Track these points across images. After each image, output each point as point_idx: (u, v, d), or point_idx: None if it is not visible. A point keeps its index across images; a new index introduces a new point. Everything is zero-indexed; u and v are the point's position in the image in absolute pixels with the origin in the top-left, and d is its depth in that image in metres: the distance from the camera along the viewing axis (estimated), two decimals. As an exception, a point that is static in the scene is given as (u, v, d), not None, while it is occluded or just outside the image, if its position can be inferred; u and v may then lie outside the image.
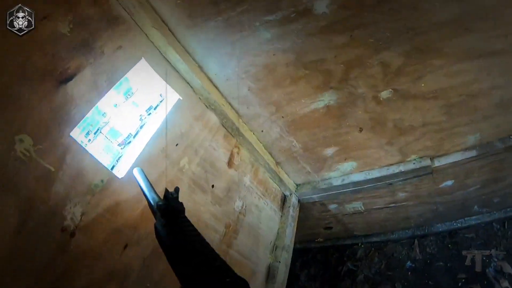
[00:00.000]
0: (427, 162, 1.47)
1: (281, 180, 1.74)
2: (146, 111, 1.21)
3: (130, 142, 1.13)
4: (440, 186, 1.60)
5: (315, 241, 2.27)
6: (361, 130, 1.43)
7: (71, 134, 0.94)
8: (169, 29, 1.24)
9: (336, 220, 2.01)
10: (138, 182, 0.95)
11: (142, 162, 1.11)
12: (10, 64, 0.85)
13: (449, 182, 1.58)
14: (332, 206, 1.90)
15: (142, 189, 0.92)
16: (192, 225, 0.80)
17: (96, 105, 1.01)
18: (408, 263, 1.90)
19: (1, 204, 0.76)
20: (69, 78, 0.96)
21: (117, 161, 1.08)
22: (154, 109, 1.20)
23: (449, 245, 1.86)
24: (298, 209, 1.79)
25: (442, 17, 1.03)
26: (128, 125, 1.15)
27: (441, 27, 1.06)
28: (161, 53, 1.28)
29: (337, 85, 1.29)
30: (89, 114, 0.99)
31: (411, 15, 1.04)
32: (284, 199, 1.84)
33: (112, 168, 1.04)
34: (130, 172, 1.04)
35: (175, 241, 0.73)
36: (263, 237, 1.58)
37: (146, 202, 0.91)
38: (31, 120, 0.87)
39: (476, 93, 1.23)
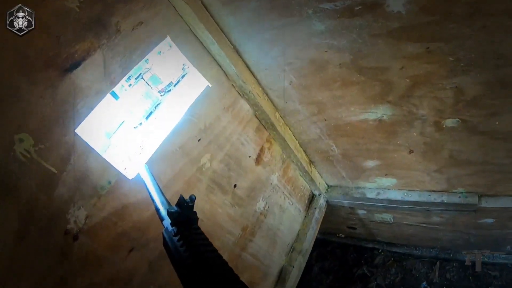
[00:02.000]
0: (474, 199, 1.28)
1: (312, 179, 1.61)
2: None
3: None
4: (479, 221, 1.44)
5: (336, 235, 2.19)
6: (411, 152, 1.23)
7: (77, 130, 0.84)
8: (203, 3, 1.05)
9: (362, 224, 1.90)
10: (144, 182, 0.85)
11: (158, 160, 1.01)
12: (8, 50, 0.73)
13: (490, 220, 1.42)
14: (360, 212, 1.78)
15: (148, 190, 0.82)
16: (207, 238, 0.69)
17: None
18: (424, 283, 1.77)
19: (1, 210, 0.71)
20: (76, 64, 0.83)
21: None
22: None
23: (470, 277, 1.70)
24: (324, 211, 1.68)
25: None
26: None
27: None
28: (192, 31, 1.08)
29: (396, 100, 1.08)
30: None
31: (507, 40, 0.79)
32: (311, 199, 1.72)
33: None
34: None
35: (188, 254, 0.64)
36: (281, 239, 1.50)
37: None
38: (32, 116, 0.77)
39: (550, 145, 1.00)
